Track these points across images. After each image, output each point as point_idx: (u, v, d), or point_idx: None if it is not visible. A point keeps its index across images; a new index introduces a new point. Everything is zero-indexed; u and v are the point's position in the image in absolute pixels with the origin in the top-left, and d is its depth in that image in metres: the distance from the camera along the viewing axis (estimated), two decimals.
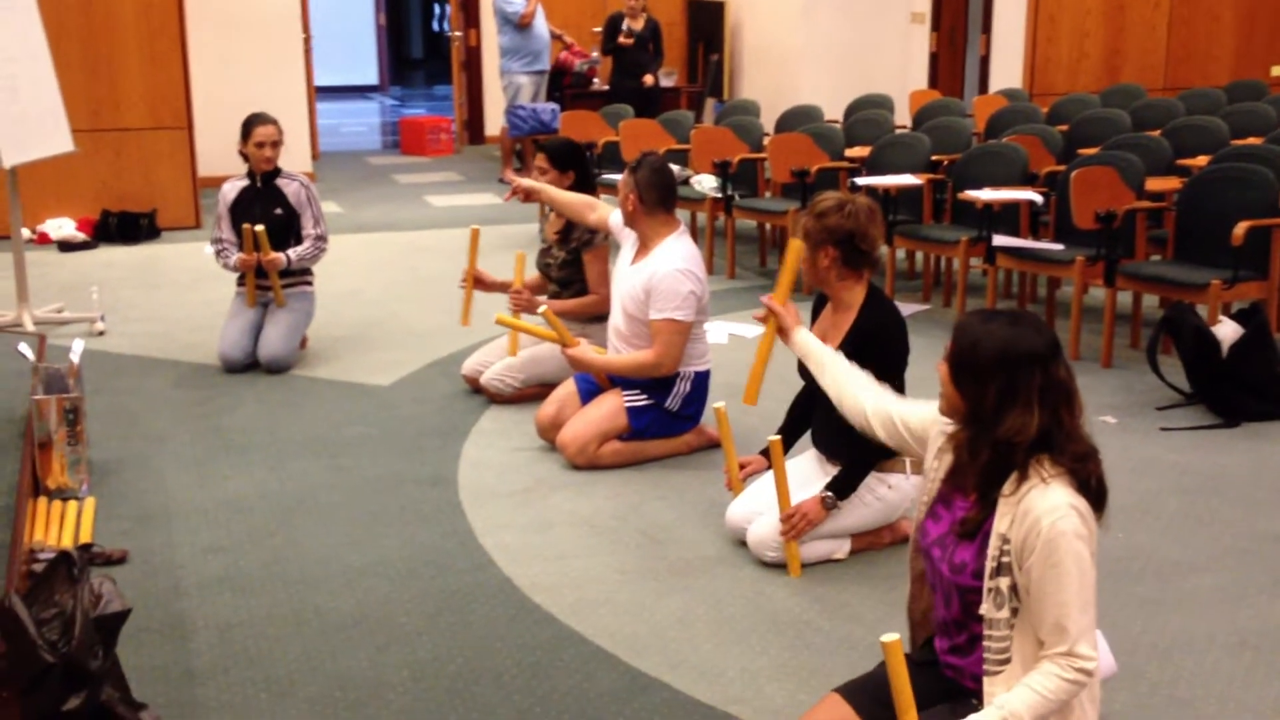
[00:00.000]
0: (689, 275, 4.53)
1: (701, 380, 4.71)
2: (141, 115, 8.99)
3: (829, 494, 3.74)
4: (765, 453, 3.94)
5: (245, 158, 5.87)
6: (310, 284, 6.04)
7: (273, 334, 5.79)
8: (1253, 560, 3.84)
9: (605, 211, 4.98)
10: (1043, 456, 2.35)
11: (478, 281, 5.43)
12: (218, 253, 5.92)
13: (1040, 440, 2.34)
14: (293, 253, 5.82)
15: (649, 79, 11.21)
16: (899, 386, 3.79)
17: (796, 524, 3.71)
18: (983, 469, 2.40)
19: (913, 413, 2.78)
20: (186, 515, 4.23)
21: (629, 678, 3.21)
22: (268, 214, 5.81)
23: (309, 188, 5.95)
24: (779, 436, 3.73)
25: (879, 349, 3.72)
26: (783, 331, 3.49)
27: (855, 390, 3.01)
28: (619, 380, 4.70)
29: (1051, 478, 2.33)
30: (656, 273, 4.53)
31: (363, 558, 3.89)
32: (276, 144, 5.84)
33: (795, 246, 3.66)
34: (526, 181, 5.20)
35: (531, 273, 5.49)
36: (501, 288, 5.40)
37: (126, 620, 2.76)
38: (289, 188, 5.90)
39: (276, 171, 5.89)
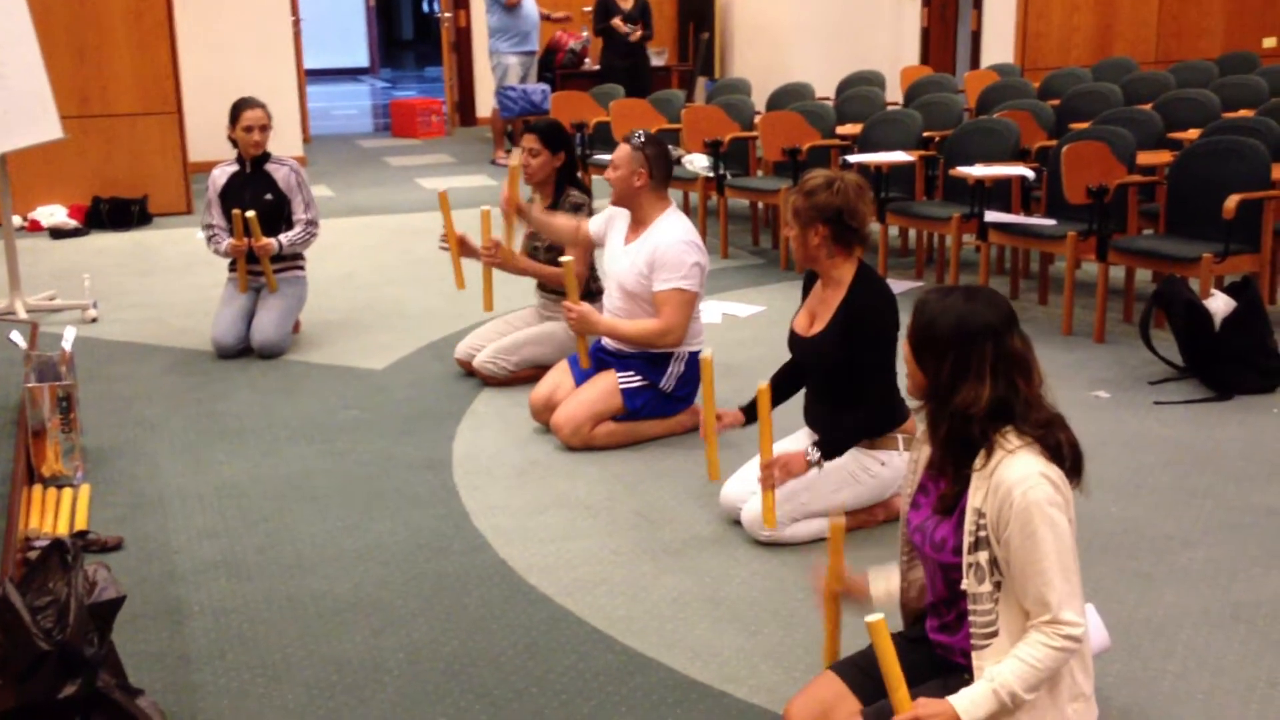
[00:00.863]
0: (693, 247, 4.55)
1: (696, 360, 4.70)
2: (130, 101, 8.97)
3: (816, 451, 3.71)
4: (746, 408, 3.93)
5: (234, 143, 5.86)
6: (302, 269, 6.04)
7: (265, 319, 5.78)
8: (1246, 534, 3.85)
9: (586, 226, 4.96)
10: (1006, 428, 2.37)
11: (463, 246, 5.22)
12: (209, 238, 5.91)
13: (999, 411, 2.36)
14: (284, 238, 5.82)
15: (623, 28, 10.89)
16: (890, 364, 3.80)
17: (775, 473, 3.68)
18: (943, 442, 2.43)
19: None
20: (181, 501, 4.23)
21: (625, 658, 3.22)
22: (258, 199, 5.80)
23: (299, 172, 5.94)
24: (767, 384, 3.61)
25: (868, 326, 3.73)
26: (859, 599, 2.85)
27: None
28: (614, 361, 4.70)
29: (1019, 448, 2.35)
30: (659, 245, 4.53)
31: (358, 541, 3.90)
32: (265, 128, 5.82)
33: (838, 527, 2.78)
34: (532, 217, 5.07)
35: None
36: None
37: (121, 607, 2.76)
38: (279, 172, 5.88)
39: (266, 156, 5.87)
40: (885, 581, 2.73)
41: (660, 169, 4.64)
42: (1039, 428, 2.37)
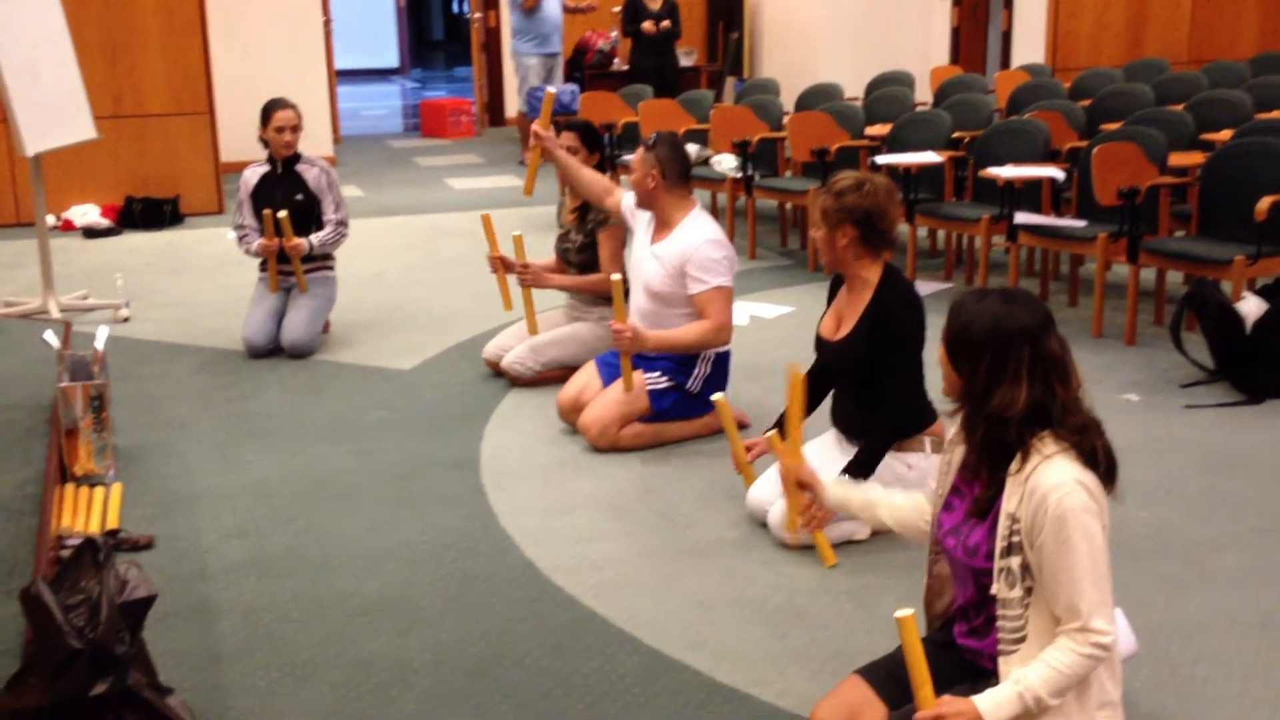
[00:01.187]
0: (719, 244, 4.57)
1: (722, 362, 4.71)
2: (163, 101, 9.04)
3: (846, 476, 3.73)
4: (773, 427, 3.94)
5: (265, 143, 5.90)
6: (332, 269, 6.07)
7: (295, 319, 5.82)
8: (1275, 539, 3.82)
9: (619, 195, 4.98)
10: (1043, 433, 2.35)
11: (505, 265, 5.28)
12: (240, 239, 5.95)
13: (1036, 415, 2.35)
14: (315, 238, 5.85)
15: (651, 29, 10.90)
16: (917, 367, 3.79)
17: (816, 514, 3.66)
18: (979, 445, 2.42)
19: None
20: (211, 500, 4.26)
21: (651, 659, 3.22)
22: (288, 199, 5.83)
23: (329, 173, 5.97)
24: (800, 373, 3.49)
25: (895, 329, 3.72)
26: (812, 492, 3.07)
27: (912, 513, 2.82)
28: (641, 362, 4.69)
29: (1055, 454, 2.34)
30: (689, 247, 4.54)
31: (385, 541, 3.92)
32: (296, 129, 5.86)
33: (796, 380, 3.27)
34: (558, 153, 5.07)
35: (547, 255, 5.49)
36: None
37: (152, 605, 2.79)
38: (309, 173, 5.91)
39: (297, 157, 5.91)
40: (842, 489, 2.98)
41: (674, 168, 4.61)
42: (1076, 432, 2.35)
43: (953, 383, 2.46)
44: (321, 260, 6.00)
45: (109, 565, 2.73)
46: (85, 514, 4.01)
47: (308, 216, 5.89)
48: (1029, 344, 2.35)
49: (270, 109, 5.86)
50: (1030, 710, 2.31)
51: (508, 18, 11.38)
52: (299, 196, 5.87)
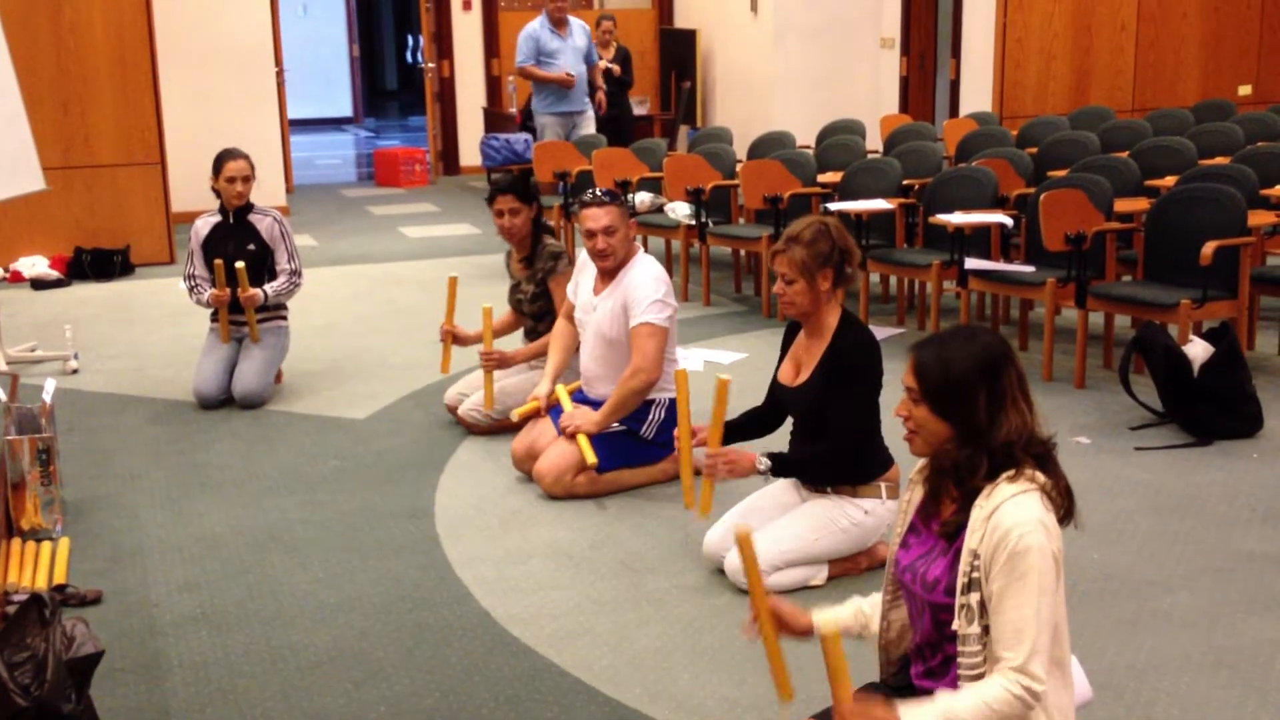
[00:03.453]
0: (661, 281, 4.63)
1: (675, 407, 4.71)
2: (114, 151, 8.98)
3: (767, 460, 3.76)
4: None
5: (217, 193, 5.87)
6: (285, 319, 6.03)
7: (247, 369, 5.77)
8: (1227, 579, 3.86)
9: (572, 326, 5.01)
10: (1026, 459, 2.39)
11: (455, 338, 5.38)
12: (190, 289, 5.91)
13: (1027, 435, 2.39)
14: (269, 288, 5.82)
15: (604, 66, 10.94)
16: (874, 410, 3.81)
17: (718, 463, 3.73)
18: (985, 476, 2.38)
19: None
20: (161, 553, 4.21)
21: (608, 709, 3.20)
22: (241, 250, 5.80)
23: (282, 223, 5.95)
24: (728, 378, 3.68)
25: (855, 371, 3.75)
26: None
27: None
28: (597, 408, 4.69)
29: (1021, 492, 2.35)
30: (631, 285, 4.61)
31: (339, 593, 3.88)
32: (248, 179, 5.84)
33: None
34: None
35: (502, 309, 5.50)
36: (476, 340, 5.30)
37: (100, 662, 2.74)
38: (262, 223, 5.89)
39: (249, 207, 5.88)
40: (833, 615, 2.65)
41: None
42: (1039, 460, 2.38)
43: (940, 435, 2.43)
44: (274, 310, 5.96)
45: (55, 621, 2.69)
46: (32, 569, 3.95)
47: (260, 266, 5.86)
48: (1011, 366, 2.40)
49: (222, 159, 5.84)
50: None
51: (466, 68, 11.37)
52: (251, 246, 5.84)
